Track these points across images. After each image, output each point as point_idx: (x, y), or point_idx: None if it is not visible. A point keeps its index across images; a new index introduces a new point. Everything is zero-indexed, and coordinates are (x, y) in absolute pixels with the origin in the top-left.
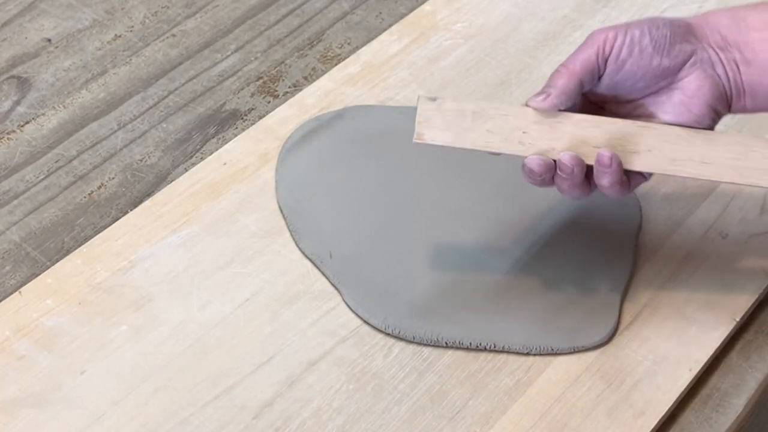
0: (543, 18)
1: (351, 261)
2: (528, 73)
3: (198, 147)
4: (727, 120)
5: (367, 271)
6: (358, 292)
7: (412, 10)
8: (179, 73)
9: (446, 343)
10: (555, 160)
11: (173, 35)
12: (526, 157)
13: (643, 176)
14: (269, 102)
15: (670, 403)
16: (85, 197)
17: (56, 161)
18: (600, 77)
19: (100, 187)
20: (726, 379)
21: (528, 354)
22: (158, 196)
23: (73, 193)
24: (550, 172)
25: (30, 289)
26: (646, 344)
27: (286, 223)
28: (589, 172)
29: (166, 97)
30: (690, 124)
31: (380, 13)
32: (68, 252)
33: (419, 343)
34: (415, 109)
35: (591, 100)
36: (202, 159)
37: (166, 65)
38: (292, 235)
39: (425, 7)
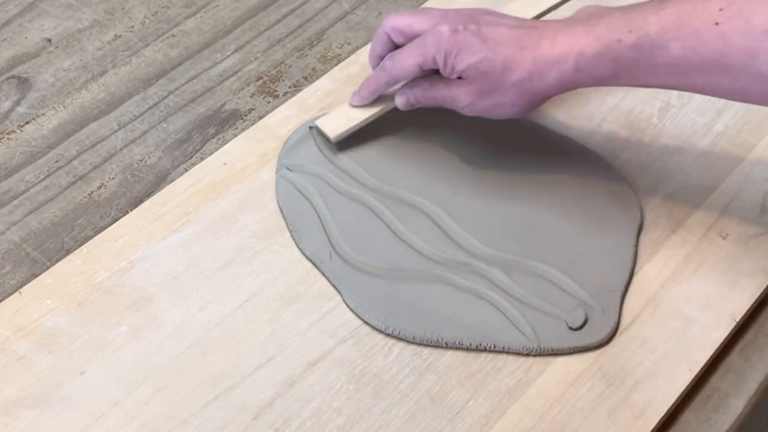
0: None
1: (351, 261)
2: None
3: (198, 147)
4: (726, 120)
5: (367, 271)
6: (358, 292)
7: None
8: (179, 73)
9: (446, 343)
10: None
11: (173, 35)
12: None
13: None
14: (269, 102)
15: (670, 404)
16: (85, 197)
17: (56, 161)
18: None
19: (100, 187)
20: (726, 379)
21: (528, 354)
22: (158, 197)
23: (73, 193)
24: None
25: (30, 289)
26: (646, 344)
27: (286, 224)
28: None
29: (166, 97)
30: None
31: (380, 13)
32: (68, 252)
33: (419, 343)
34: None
35: None
36: (202, 159)
37: (166, 65)
38: (292, 235)
39: (425, 7)
